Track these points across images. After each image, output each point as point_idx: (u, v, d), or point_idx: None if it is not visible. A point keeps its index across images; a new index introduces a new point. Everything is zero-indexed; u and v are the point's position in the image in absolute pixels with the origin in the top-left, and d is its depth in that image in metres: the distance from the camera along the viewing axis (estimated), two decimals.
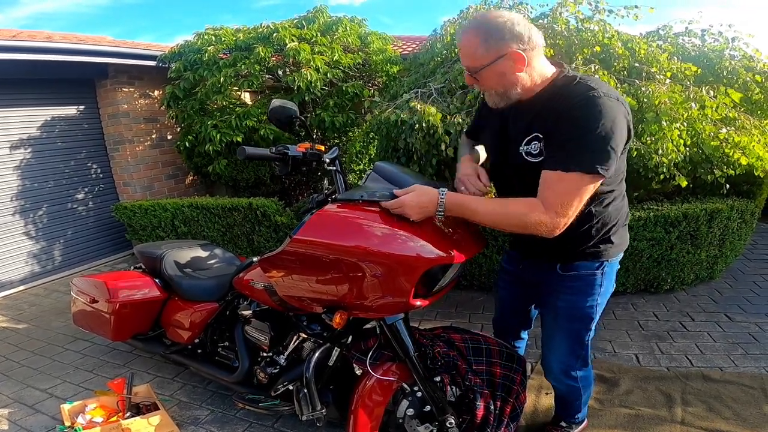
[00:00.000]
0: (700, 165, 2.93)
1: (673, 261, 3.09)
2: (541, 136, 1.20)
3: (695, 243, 3.06)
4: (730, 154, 2.68)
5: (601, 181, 1.15)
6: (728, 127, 2.75)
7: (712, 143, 2.66)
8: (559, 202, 1.13)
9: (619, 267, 1.53)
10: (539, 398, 2.14)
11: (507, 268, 1.72)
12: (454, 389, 1.62)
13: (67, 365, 2.77)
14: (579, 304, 1.46)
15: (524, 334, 1.88)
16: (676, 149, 2.66)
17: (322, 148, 1.63)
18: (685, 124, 2.66)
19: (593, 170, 1.09)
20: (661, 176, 2.76)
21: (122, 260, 5.24)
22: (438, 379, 1.59)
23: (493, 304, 3.14)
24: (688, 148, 2.74)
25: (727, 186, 3.05)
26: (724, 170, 2.86)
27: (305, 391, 1.62)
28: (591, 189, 1.14)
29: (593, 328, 1.52)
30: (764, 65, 3.35)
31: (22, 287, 4.48)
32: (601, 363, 2.39)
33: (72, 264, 4.93)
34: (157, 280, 2.33)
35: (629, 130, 1.17)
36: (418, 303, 1.37)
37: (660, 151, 2.61)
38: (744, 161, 2.65)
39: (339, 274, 1.39)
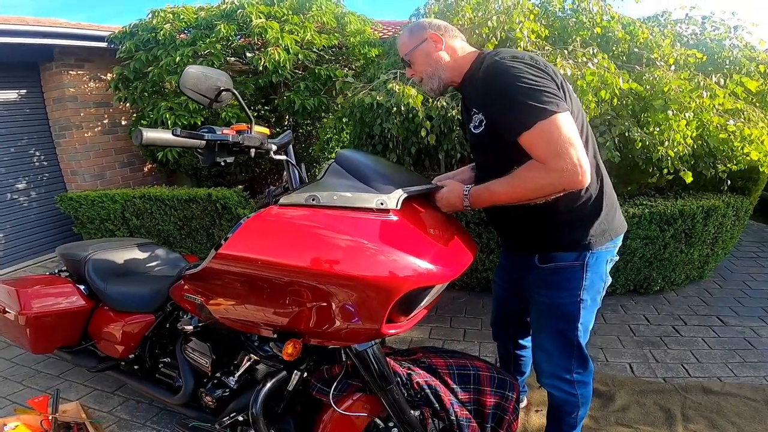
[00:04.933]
0: (702, 159, 2.75)
1: (665, 261, 2.97)
2: (477, 110, 1.31)
3: (689, 242, 2.94)
4: (739, 147, 2.49)
5: (566, 114, 1.12)
6: (736, 119, 2.56)
7: (720, 135, 2.46)
8: (550, 152, 1.10)
9: (616, 258, 1.43)
10: (528, 416, 1.98)
11: (501, 263, 1.69)
12: (436, 422, 1.39)
13: None
14: (560, 300, 1.37)
15: (525, 341, 1.74)
16: (683, 141, 2.44)
17: (267, 131, 1.27)
18: (693, 114, 2.45)
19: (548, 113, 1.10)
20: (665, 170, 2.56)
21: None
22: (418, 413, 1.35)
23: (478, 306, 2.99)
24: (693, 141, 2.54)
25: (729, 182, 2.89)
26: (727, 165, 2.68)
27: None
28: (566, 125, 1.11)
29: (583, 326, 1.39)
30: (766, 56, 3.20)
31: None
32: (594, 374, 2.23)
33: (13, 260, 4.50)
34: (82, 287, 2.01)
35: (549, 75, 1.19)
36: (393, 331, 1.09)
37: (666, 143, 2.39)
38: (755, 155, 2.46)
39: (287, 298, 1.09)
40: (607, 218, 1.33)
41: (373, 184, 1.14)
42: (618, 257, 1.44)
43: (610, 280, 1.43)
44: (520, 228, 1.41)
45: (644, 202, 2.91)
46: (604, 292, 1.43)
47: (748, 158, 2.56)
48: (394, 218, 1.10)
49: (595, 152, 1.32)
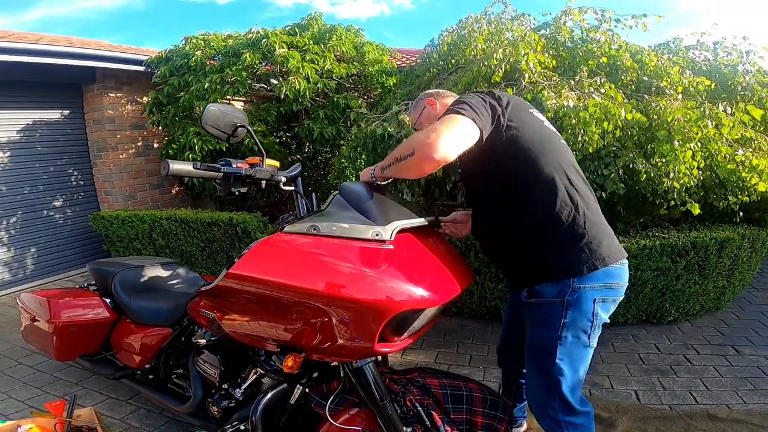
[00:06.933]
0: (713, 190, 2.70)
1: (678, 292, 2.90)
2: None
3: (703, 273, 2.88)
4: (747, 178, 2.45)
5: (471, 122, 1.22)
6: (745, 149, 2.53)
7: (728, 166, 2.43)
8: (434, 125, 1.22)
9: (615, 298, 1.37)
10: None
11: (510, 294, 1.75)
12: None
13: (16, 380, 2.60)
14: (540, 335, 1.39)
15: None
16: (689, 172, 2.42)
17: (277, 164, 1.40)
18: (699, 144, 2.43)
19: (461, 113, 1.22)
20: (671, 202, 2.53)
21: None
22: (410, 430, 1.38)
23: (486, 334, 3.00)
24: (701, 172, 2.51)
25: (741, 213, 2.83)
26: (739, 196, 2.62)
27: None
28: (464, 126, 1.21)
29: (563, 364, 1.34)
30: None
31: None
32: (597, 400, 2.21)
33: (45, 273, 4.71)
34: (108, 300, 2.14)
35: (495, 97, 1.33)
36: (385, 349, 1.17)
37: (671, 175, 2.38)
38: (762, 187, 2.41)
39: (288, 315, 1.19)
40: (589, 247, 1.30)
41: (371, 216, 1.23)
42: (620, 297, 1.38)
43: (604, 319, 1.36)
44: (506, 260, 1.50)
45: (656, 234, 2.87)
46: (597, 332, 1.36)
47: (759, 190, 2.52)
48: (390, 247, 1.19)
49: (570, 178, 1.34)
